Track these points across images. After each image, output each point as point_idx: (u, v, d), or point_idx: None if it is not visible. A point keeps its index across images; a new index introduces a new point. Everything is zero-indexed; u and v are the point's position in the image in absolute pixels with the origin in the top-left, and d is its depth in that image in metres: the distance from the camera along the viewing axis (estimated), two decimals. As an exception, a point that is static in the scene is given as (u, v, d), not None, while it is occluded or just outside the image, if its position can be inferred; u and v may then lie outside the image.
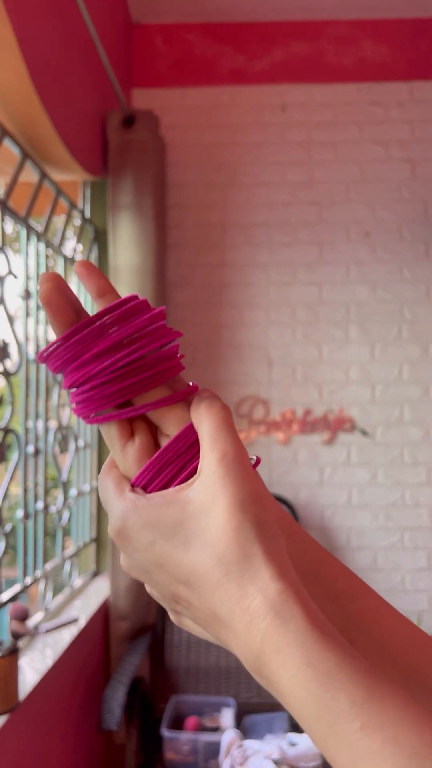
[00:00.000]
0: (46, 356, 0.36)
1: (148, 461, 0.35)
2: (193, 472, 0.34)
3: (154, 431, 0.37)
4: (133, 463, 0.36)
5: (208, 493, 0.32)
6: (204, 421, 0.34)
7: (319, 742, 0.27)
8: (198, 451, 0.34)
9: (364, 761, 0.25)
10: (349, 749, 0.26)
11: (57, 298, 0.35)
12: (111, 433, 0.36)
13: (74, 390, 0.36)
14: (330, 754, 0.27)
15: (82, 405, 0.36)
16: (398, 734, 0.25)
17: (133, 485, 0.35)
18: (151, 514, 0.33)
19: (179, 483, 0.34)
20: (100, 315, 0.35)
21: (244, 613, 0.29)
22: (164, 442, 0.36)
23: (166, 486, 0.34)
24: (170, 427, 0.36)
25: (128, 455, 0.36)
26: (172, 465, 0.34)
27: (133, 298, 0.36)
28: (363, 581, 0.38)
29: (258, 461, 0.36)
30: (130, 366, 0.35)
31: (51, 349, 0.36)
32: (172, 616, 0.36)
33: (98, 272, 0.37)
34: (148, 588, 0.36)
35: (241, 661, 0.31)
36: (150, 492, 0.35)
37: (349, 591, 0.37)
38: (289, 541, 0.35)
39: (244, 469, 0.32)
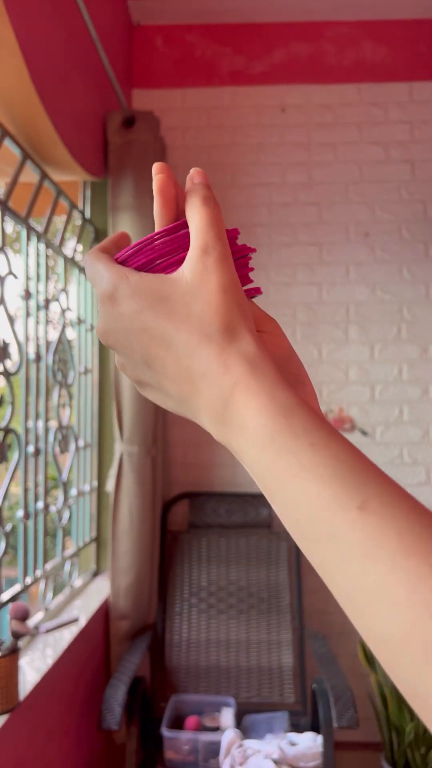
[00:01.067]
0: (141, 247, 0.38)
1: (138, 241, 0.38)
2: (182, 261, 0.37)
3: None
4: None
5: (195, 275, 0.35)
6: (196, 215, 0.37)
7: (269, 462, 0.31)
8: (186, 245, 0.37)
9: (308, 470, 0.30)
10: (297, 461, 0.30)
11: (169, 189, 0.39)
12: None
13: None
14: (278, 470, 0.31)
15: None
16: (341, 454, 0.30)
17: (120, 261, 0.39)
18: (142, 285, 0.36)
19: (167, 266, 0.38)
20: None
21: (221, 364, 0.34)
22: None
23: (159, 267, 0.38)
24: None
25: None
26: (166, 252, 0.38)
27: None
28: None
29: (259, 290, 0.42)
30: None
31: (148, 241, 0.38)
32: (138, 388, 0.39)
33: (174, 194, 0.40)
34: (118, 360, 0.39)
35: (206, 427, 0.35)
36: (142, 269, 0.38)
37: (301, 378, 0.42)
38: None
39: (229, 262, 0.36)
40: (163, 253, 0.38)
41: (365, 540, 0.28)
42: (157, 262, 0.38)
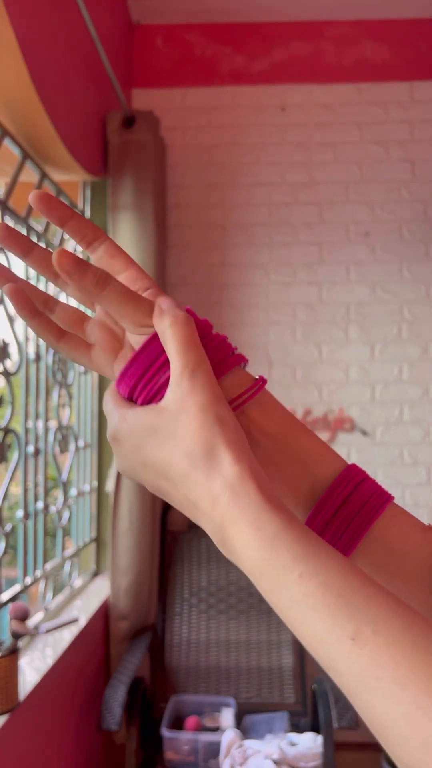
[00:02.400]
0: (123, 373, 0.40)
1: (122, 368, 0.40)
2: (167, 381, 0.39)
3: None
4: None
5: (177, 401, 0.37)
6: (169, 340, 0.38)
7: (267, 593, 0.33)
8: (160, 356, 0.39)
9: (300, 602, 0.30)
10: (288, 594, 0.31)
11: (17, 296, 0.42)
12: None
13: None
14: (274, 602, 0.32)
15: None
16: (329, 580, 0.30)
17: (120, 394, 0.41)
18: (135, 422, 0.38)
19: (157, 388, 0.39)
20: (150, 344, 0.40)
21: (208, 495, 0.35)
22: None
23: (148, 392, 0.40)
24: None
25: None
26: (148, 374, 0.40)
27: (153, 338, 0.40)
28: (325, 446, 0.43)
29: (263, 380, 0.41)
30: None
31: (126, 366, 0.40)
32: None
33: (57, 202, 0.41)
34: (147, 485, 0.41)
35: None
36: (136, 398, 0.40)
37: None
38: (260, 408, 0.41)
39: (208, 379, 0.37)
40: (140, 374, 0.39)
41: (363, 672, 0.28)
42: (142, 384, 0.40)
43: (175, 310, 0.39)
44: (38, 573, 1.71)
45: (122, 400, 0.41)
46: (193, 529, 2.29)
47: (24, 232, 1.67)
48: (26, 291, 0.43)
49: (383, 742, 0.28)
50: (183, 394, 0.37)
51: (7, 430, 1.48)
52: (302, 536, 0.32)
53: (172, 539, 2.29)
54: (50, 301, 0.44)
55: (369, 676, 0.27)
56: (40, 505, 1.73)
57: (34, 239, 1.71)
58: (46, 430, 1.78)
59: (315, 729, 1.84)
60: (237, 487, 0.34)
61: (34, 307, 0.43)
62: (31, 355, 1.69)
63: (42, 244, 1.75)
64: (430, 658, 0.27)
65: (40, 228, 1.74)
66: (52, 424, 1.86)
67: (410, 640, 0.27)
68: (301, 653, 2.10)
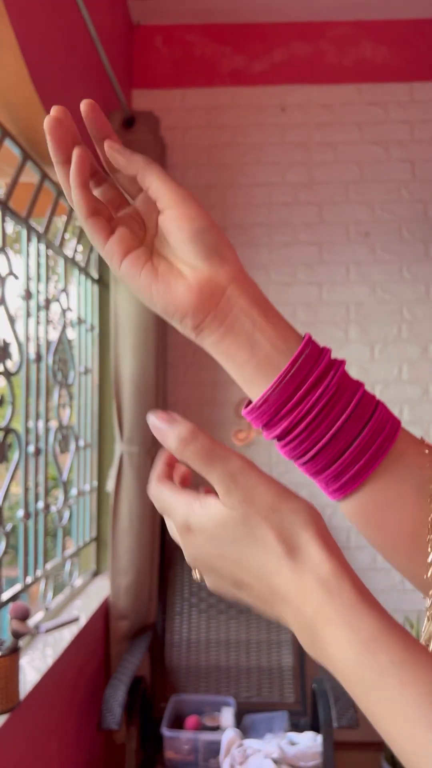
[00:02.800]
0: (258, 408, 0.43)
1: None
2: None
3: None
4: None
5: (239, 507, 0.35)
6: (187, 457, 0.36)
7: (362, 699, 0.31)
8: None
9: (400, 712, 0.29)
10: (388, 702, 0.30)
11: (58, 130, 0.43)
12: None
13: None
14: (371, 709, 0.31)
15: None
16: (431, 690, 0.29)
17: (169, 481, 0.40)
18: (206, 514, 0.36)
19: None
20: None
21: (298, 590, 0.33)
22: None
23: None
24: None
25: None
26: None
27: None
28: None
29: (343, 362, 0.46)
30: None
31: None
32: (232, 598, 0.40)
33: (103, 115, 0.44)
34: (211, 583, 0.39)
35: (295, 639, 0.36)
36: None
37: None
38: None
39: (256, 477, 0.35)
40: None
41: None
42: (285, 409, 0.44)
43: (177, 426, 0.36)
44: (39, 572, 1.71)
45: (177, 487, 0.39)
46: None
47: (24, 232, 1.67)
48: (87, 160, 0.44)
49: None
50: (239, 500, 0.35)
51: (8, 430, 1.48)
52: (401, 640, 0.31)
53: (172, 539, 2.29)
54: (100, 176, 0.46)
55: None
56: (41, 504, 1.73)
57: (35, 240, 1.71)
58: (47, 430, 1.78)
59: (315, 728, 1.84)
60: (331, 585, 0.33)
61: (87, 180, 0.44)
62: (32, 355, 1.69)
63: (42, 245, 1.75)
64: None
65: (40, 228, 1.74)
66: (53, 424, 1.86)
67: None
68: (301, 653, 2.11)
